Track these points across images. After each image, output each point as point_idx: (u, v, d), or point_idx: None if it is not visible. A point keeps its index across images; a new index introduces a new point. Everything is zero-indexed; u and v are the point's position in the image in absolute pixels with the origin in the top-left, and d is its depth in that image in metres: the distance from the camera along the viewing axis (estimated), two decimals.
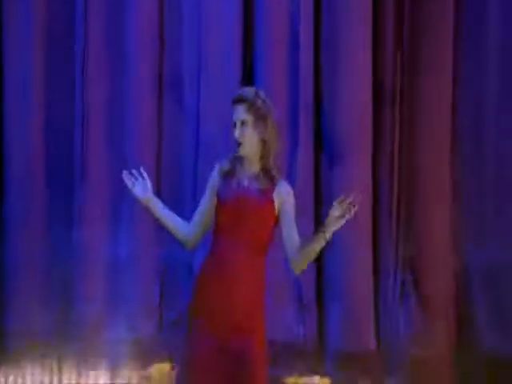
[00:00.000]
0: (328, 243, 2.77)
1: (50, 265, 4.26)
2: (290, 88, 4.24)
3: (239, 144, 2.82)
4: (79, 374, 4.10)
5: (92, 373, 4.09)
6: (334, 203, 2.71)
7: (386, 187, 4.26)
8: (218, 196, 2.84)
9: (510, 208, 4.12)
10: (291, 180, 3.80)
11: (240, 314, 2.75)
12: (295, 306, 4.14)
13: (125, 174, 2.86)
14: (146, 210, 2.88)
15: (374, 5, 4.24)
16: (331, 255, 4.15)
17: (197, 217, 2.89)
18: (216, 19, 4.22)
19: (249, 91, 2.86)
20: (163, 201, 2.93)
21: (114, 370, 4.17)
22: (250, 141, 2.82)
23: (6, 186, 4.33)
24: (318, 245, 2.75)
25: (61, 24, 4.29)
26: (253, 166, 2.85)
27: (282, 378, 3.79)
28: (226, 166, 2.87)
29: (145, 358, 4.23)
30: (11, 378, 4.22)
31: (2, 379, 4.24)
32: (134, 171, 2.87)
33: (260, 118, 2.83)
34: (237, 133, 2.82)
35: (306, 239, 2.79)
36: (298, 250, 2.79)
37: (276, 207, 2.82)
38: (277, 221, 2.82)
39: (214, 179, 2.86)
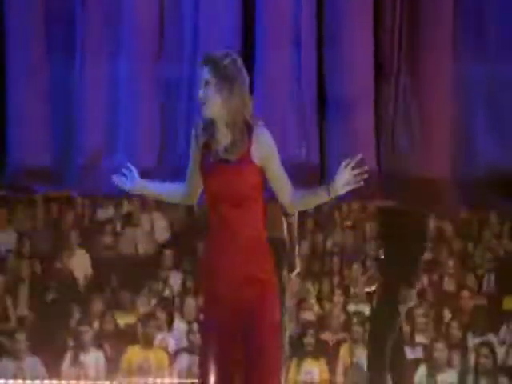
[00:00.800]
0: None
1: (51, 93, 4.06)
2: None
3: (202, 105, 2.74)
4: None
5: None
6: (341, 167, 2.69)
7: None
8: (201, 170, 2.80)
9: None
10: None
11: (244, 271, 2.76)
12: (298, 126, 4.14)
13: (115, 177, 2.91)
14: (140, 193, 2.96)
15: None
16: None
17: (188, 177, 2.87)
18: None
19: (218, 52, 2.75)
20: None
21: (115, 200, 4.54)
22: (212, 102, 2.71)
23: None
24: (319, 200, 2.77)
25: None
26: (224, 133, 2.75)
27: None
28: (202, 134, 2.79)
29: None
30: None
31: None
32: (122, 170, 2.90)
33: (224, 79, 2.70)
34: (199, 92, 2.73)
35: (309, 191, 2.78)
36: (294, 197, 2.78)
37: (258, 164, 2.76)
38: (263, 173, 2.78)
39: (192, 145, 2.87)
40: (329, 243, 8.33)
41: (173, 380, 6.18)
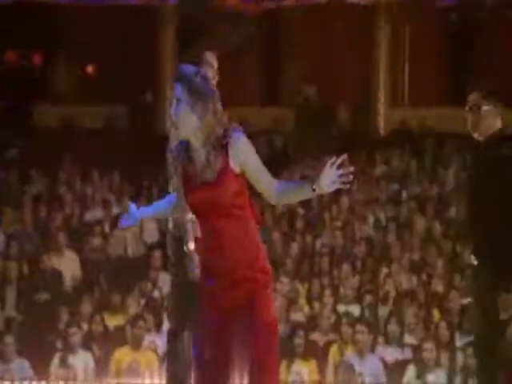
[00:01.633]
0: None
1: None
2: None
3: (175, 124, 2.75)
4: None
5: None
6: (327, 165, 2.72)
7: None
8: (183, 188, 2.82)
9: None
10: None
11: (235, 271, 2.79)
12: None
13: (121, 224, 3.00)
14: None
15: None
16: None
17: (177, 195, 2.93)
18: None
19: (189, 70, 2.75)
20: None
21: None
22: (186, 121, 2.72)
23: None
24: (304, 195, 2.78)
25: None
26: (199, 153, 2.76)
27: None
28: (178, 160, 2.82)
29: None
30: None
31: None
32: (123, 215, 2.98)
33: (198, 97, 2.71)
34: (171, 110, 2.74)
35: (294, 184, 2.81)
36: (278, 190, 2.78)
37: (238, 171, 2.77)
38: (244, 176, 2.78)
39: (170, 170, 3.02)
40: (318, 244, 8.36)
41: (162, 381, 6.17)
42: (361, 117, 12.37)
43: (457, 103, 12.63)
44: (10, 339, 6.26)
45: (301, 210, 8.99)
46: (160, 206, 2.99)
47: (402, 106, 12.96)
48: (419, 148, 10.80)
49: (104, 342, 6.46)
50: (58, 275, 7.55)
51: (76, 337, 6.28)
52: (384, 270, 7.51)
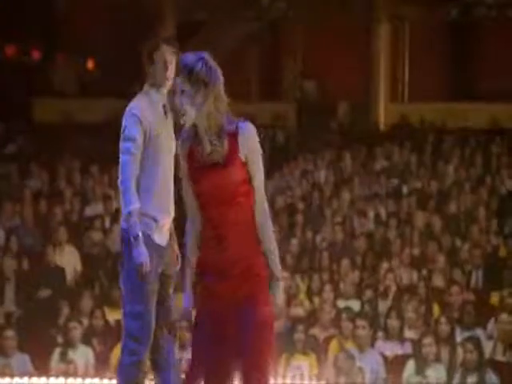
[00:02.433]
0: None
1: None
2: None
3: (182, 115, 2.77)
4: None
5: None
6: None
7: None
8: (189, 176, 2.84)
9: None
10: None
11: (233, 263, 2.80)
12: None
13: None
14: None
15: None
16: None
17: (190, 202, 2.87)
18: None
19: (191, 57, 2.76)
20: None
21: None
22: (188, 111, 2.74)
23: None
24: (269, 261, 2.82)
25: None
26: (205, 139, 2.78)
27: None
28: (186, 143, 2.82)
29: None
30: None
31: None
32: None
33: (198, 86, 2.72)
34: (177, 103, 2.77)
35: (271, 246, 2.81)
36: (260, 215, 2.81)
37: (243, 158, 2.79)
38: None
39: (181, 157, 2.88)
40: (318, 239, 8.36)
41: None
42: (361, 112, 12.37)
43: (456, 98, 12.72)
44: (10, 334, 6.25)
45: (301, 205, 9.00)
46: (190, 236, 2.91)
47: (402, 101, 12.95)
48: (419, 143, 10.81)
49: (104, 337, 6.45)
50: (58, 270, 7.55)
51: (76, 332, 6.26)
52: (384, 265, 7.50)
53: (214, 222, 2.81)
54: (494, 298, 7.19)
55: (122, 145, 3.46)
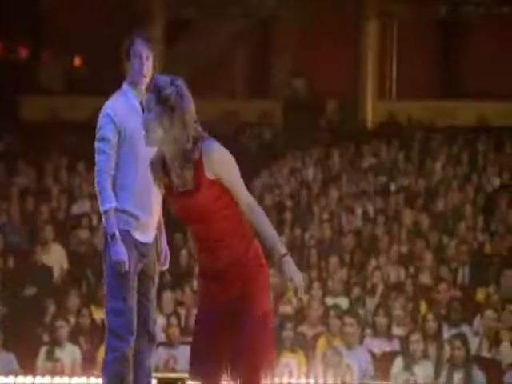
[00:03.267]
0: None
1: None
2: None
3: (145, 132, 2.77)
4: None
5: None
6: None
7: None
8: (166, 202, 2.91)
9: None
10: None
11: (226, 268, 2.84)
12: None
13: None
14: None
15: None
16: None
17: None
18: None
19: (163, 80, 2.76)
20: None
21: None
22: (153, 131, 2.74)
23: None
24: (269, 246, 2.82)
25: None
26: (172, 166, 2.79)
27: None
28: (156, 172, 2.85)
29: None
30: None
31: None
32: None
33: (166, 109, 2.72)
34: (143, 117, 2.78)
35: (270, 234, 2.79)
36: (252, 214, 2.81)
37: (214, 178, 2.78)
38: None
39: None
40: (306, 236, 8.37)
41: None
42: (349, 110, 12.39)
43: (444, 96, 12.77)
44: None
45: (289, 203, 9.00)
46: None
47: (390, 98, 12.99)
48: (407, 141, 10.84)
49: (91, 336, 6.42)
50: (44, 268, 7.51)
51: (63, 330, 6.24)
52: (372, 263, 7.52)
53: (199, 236, 2.85)
54: (480, 295, 7.23)
55: (97, 145, 3.49)
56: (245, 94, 13.40)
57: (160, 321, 6.49)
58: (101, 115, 3.49)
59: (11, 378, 5.61)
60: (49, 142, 10.17)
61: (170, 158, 2.79)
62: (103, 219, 3.47)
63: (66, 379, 5.67)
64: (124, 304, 3.43)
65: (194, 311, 3.05)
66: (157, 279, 3.61)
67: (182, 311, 6.73)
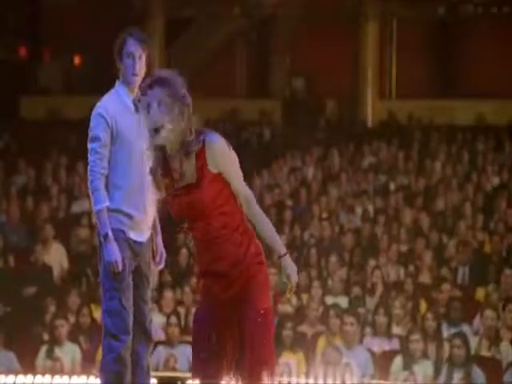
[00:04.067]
0: None
1: None
2: None
3: (155, 130, 2.74)
4: None
5: None
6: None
7: None
8: (167, 201, 2.86)
9: None
10: None
11: (227, 266, 2.84)
12: None
13: None
14: None
15: None
16: None
17: None
18: None
19: (169, 73, 2.79)
20: None
21: None
22: (165, 126, 2.73)
23: None
24: (270, 244, 2.84)
25: None
26: (175, 160, 2.79)
27: None
28: (157, 169, 2.83)
29: None
30: None
31: None
32: None
33: (176, 101, 2.74)
34: (147, 116, 2.75)
35: (269, 231, 2.83)
36: (250, 210, 2.82)
37: (216, 171, 2.79)
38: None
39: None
40: (306, 235, 8.37)
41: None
42: (348, 109, 12.39)
43: (443, 96, 12.78)
44: None
45: (289, 202, 8.99)
46: None
47: (390, 98, 12.99)
48: (407, 140, 10.84)
49: (91, 335, 6.42)
50: (44, 267, 7.51)
51: (63, 329, 6.24)
52: (372, 262, 7.52)
53: (201, 234, 2.84)
54: (480, 294, 7.23)
55: (89, 145, 3.51)
56: (244, 93, 13.40)
57: (160, 320, 6.53)
58: (92, 115, 3.50)
59: (11, 377, 5.61)
60: (48, 141, 10.16)
61: (173, 151, 2.78)
62: (96, 219, 3.47)
63: (65, 378, 5.66)
64: (119, 304, 3.44)
65: (194, 310, 3.05)
66: (152, 279, 3.61)
67: (182, 310, 6.73)
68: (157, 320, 6.51)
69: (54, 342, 6.24)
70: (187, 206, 2.80)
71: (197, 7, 12.59)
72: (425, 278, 7.53)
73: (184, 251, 7.62)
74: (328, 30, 12.60)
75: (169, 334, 6.39)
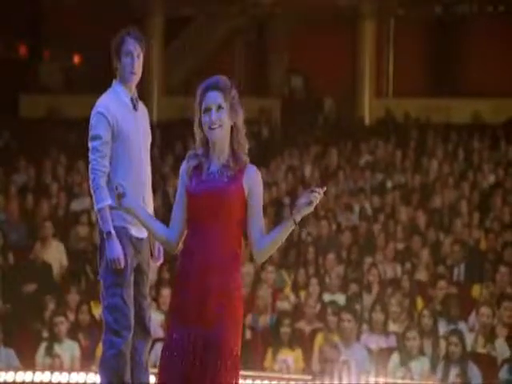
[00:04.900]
0: None
1: None
2: None
3: (213, 129, 2.86)
4: None
5: None
6: (304, 193, 2.82)
7: None
8: (188, 190, 2.87)
9: None
10: None
11: (211, 303, 2.81)
12: None
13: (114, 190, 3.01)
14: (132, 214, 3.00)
15: None
16: None
17: (177, 215, 2.91)
18: None
19: (223, 79, 2.93)
20: None
21: None
22: (225, 125, 2.88)
23: None
24: (286, 231, 2.82)
25: None
26: (222, 153, 2.88)
27: None
28: (194, 160, 2.91)
29: None
30: None
31: None
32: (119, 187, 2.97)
33: (234, 104, 2.92)
34: (214, 117, 2.86)
35: (275, 230, 2.83)
36: (263, 238, 2.83)
37: (246, 192, 2.86)
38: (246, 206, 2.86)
39: (183, 175, 2.90)
40: (304, 233, 8.40)
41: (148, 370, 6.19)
42: (346, 107, 12.43)
43: (440, 94, 12.81)
44: None
45: (287, 200, 9.02)
46: (156, 224, 2.96)
47: (387, 96, 13.03)
48: (404, 138, 10.87)
49: (90, 332, 6.46)
50: (44, 265, 7.54)
51: (62, 326, 6.27)
52: (369, 260, 7.55)
53: (203, 237, 2.82)
54: (476, 291, 7.28)
55: (90, 144, 3.53)
56: (243, 91, 13.40)
57: (158, 317, 6.56)
58: (93, 114, 3.52)
59: (11, 374, 5.65)
60: (48, 140, 10.19)
61: (221, 147, 2.86)
62: (98, 217, 3.49)
63: (65, 375, 5.69)
64: (121, 300, 3.46)
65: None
66: (151, 275, 3.65)
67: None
68: (155, 317, 6.55)
69: (54, 339, 6.26)
70: (212, 198, 2.81)
71: (196, 6, 12.61)
72: (421, 275, 7.58)
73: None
74: (326, 28, 12.63)
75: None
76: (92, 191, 3.53)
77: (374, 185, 9.63)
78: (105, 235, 3.45)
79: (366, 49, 12.37)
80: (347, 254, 7.87)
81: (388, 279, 7.38)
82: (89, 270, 7.45)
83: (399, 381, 5.85)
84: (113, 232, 3.44)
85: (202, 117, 2.87)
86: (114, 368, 3.49)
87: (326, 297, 7.07)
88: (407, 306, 6.82)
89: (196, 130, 2.91)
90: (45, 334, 6.46)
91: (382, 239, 7.95)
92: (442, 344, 6.14)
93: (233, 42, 13.27)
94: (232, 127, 2.88)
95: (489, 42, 12.24)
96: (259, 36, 13.44)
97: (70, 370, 6.00)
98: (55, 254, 7.75)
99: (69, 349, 6.30)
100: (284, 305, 6.98)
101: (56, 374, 5.70)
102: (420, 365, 6.03)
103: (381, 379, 5.91)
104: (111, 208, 3.46)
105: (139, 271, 3.56)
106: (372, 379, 5.92)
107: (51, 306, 6.70)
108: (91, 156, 3.52)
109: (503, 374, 5.87)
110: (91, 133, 3.52)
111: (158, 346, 6.27)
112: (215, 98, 2.87)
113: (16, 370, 5.85)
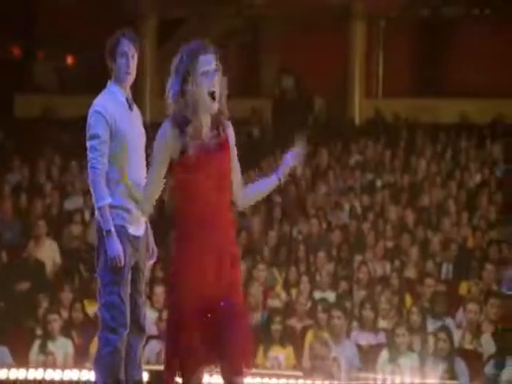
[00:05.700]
0: None
1: None
2: None
3: (214, 97, 2.91)
4: None
5: None
6: (288, 153, 3.05)
7: None
8: (182, 155, 2.88)
9: None
10: None
11: (227, 265, 2.89)
12: None
13: None
14: None
15: None
16: None
17: (153, 178, 2.95)
18: None
19: (209, 43, 2.97)
20: None
21: None
22: (223, 89, 2.97)
23: None
24: (271, 187, 3.05)
25: None
26: (207, 120, 2.92)
27: None
28: (177, 123, 2.88)
29: None
30: None
31: None
32: None
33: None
34: (212, 81, 2.91)
35: (258, 182, 3.04)
36: (248, 187, 3.03)
37: (230, 150, 2.98)
38: None
39: (166, 138, 2.89)
40: (295, 231, 8.47)
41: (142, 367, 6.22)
42: (336, 107, 12.50)
43: (428, 94, 12.92)
44: None
45: (278, 198, 9.09)
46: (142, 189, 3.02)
47: (376, 97, 13.12)
48: (393, 138, 10.96)
49: (84, 329, 6.49)
50: (37, 263, 7.57)
51: (56, 324, 6.29)
52: (358, 258, 7.63)
53: (205, 207, 2.87)
54: (463, 289, 7.35)
55: (89, 143, 3.55)
56: (234, 92, 13.45)
57: (152, 314, 6.62)
58: (90, 114, 3.55)
59: (4, 371, 5.65)
60: (42, 140, 10.21)
61: (213, 114, 2.93)
62: (98, 216, 3.51)
63: (58, 372, 5.72)
64: (118, 298, 3.48)
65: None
66: (146, 273, 3.67)
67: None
68: (149, 315, 6.61)
69: (47, 336, 6.29)
70: (212, 169, 2.87)
71: (189, 8, 12.66)
72: (410, 273, 7.65)
73: None
74: (317, 29, 12.71)
75: (161, 328, 6.42)
76: (91, 190, 3.56)
77: (364, 184, 9.70)
78: (105, 233, 3.48)
79: (357, 50, 12.46)
80: (337, 252, 7.94)
81: (377, 277, 7.45)
82: (82, 268, 7.49)
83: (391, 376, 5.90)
84: (113, 230, 3.47)
85: (197, 80, 2.87)
86: (109, 365, 3.52)
87: (317, 294, 7.13)
88: (396, 303, 6.90)
89: (179, 97, 2.86)
90: (38, 332, 6.50)
91: (371, 237, 8.02)
92: (431, 340, 6.23)
93: (225, 44, 13.33)
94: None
95: (475, 43, 12.36)
96: (250, 37, 13.50)
97: (64, 367, 6.01)
98: (48, 253, 7.78)
99: (62, 346, 6.33)
100: (275, 302, 7.03)
101: (49, 371, 5.71)
102: (409, 361, 6.09)
103: (370, 375, 5.96)
104: (111, 207, 3.49)
105: (136, 269, 3.60)
106: (362, 375, 5.98)
107: (44, 303, 6.74)
108: (90, 155, 3.54)
109: (488, 369, 5.95)
110: (89, 132, 3.55)
111: (153, 343, 6.36)
112: (210, 61, 2.95)
113: (9, 367, 5.84)
